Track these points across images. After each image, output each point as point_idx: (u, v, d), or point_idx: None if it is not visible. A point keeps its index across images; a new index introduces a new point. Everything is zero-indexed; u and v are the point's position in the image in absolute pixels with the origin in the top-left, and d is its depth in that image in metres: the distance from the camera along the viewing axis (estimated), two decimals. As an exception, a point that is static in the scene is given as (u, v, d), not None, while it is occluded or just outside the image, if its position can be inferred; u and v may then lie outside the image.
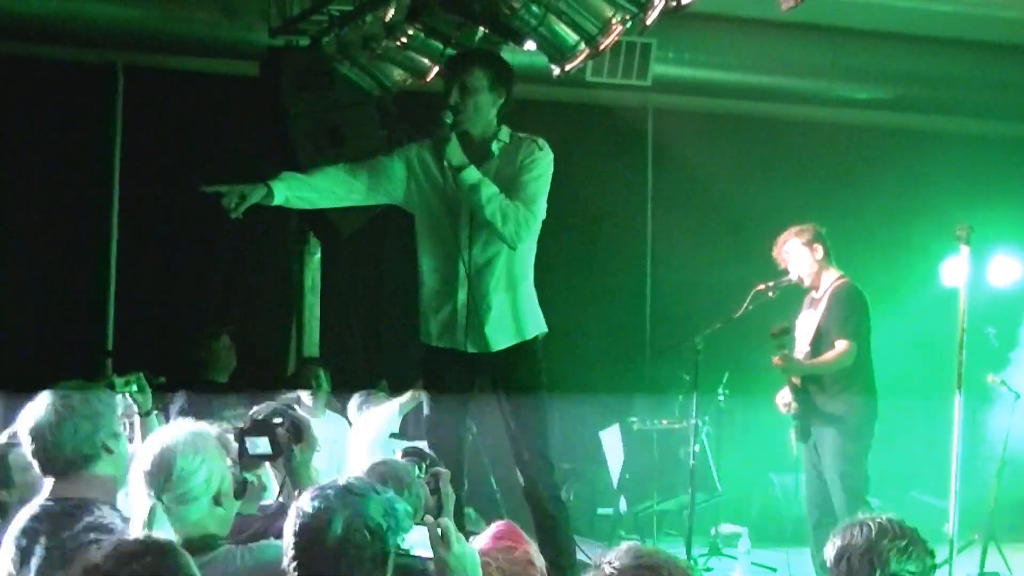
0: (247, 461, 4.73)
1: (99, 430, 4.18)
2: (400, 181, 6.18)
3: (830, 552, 3.86)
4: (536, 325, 6.17)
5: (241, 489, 4.41)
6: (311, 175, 6.15)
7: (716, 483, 9.95)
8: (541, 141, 6.12)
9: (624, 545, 3.15)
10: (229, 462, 4.36)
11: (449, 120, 5.96)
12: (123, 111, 10.10)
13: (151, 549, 3.09)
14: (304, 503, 3.40)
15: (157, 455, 4.01)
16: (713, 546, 9.61)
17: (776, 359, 7.92)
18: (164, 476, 3.95)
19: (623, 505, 9.94)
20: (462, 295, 6.04)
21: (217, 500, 4.05)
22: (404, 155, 6.20)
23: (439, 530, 3.58)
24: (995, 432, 9.28)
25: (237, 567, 3.90)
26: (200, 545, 3.90)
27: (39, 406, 4.18)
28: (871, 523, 3.81)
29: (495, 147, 6.07)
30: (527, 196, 5.97)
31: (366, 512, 3.33)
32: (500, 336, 6.07)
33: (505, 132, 6.12)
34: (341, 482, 3.48)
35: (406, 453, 4.92)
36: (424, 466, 4.72)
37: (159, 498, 3.91)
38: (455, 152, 5.93)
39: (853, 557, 3.77)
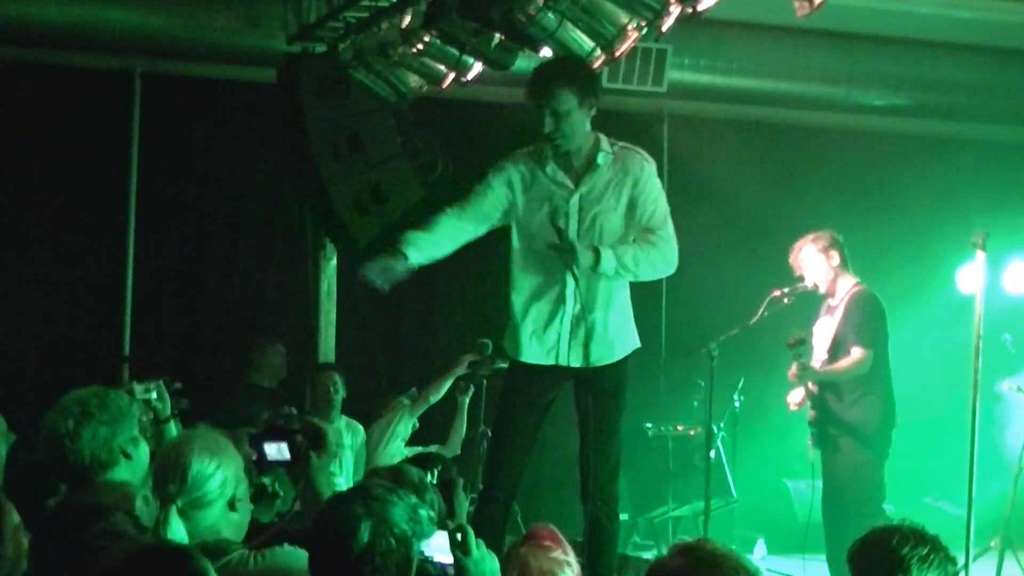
0: (265, 466, 4.75)
1: (117, 435, 4.17)
2: (499, 206, 6.07)
3: (852, 560, 3.85)
4: (632, 341, 6.17)
5: (258, 493, 4.42)
6: (429, 230, 6.03)
7: (731, 489, 9.94)
8: (644, 152, 6.05)
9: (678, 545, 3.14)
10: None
11: (551, 153, 5.90)
12: (140, 118, 10.12)
13: (168, 554, 3.10)
14: (328, 511, 3.41)
15: (172, 459, 4.02)
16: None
17: (791, 371, 7.92)
18: (179, 480, 3.96)
19: None
20: (567, 311, 5.98)
21: (232, 505, 4.06)
22: (504, 177, 6.06)
23: (458, 536, 3.59)
24: (1012, 438, 9.25)
25: (249, 572, 3.90)
26: (214, 550, 3.90)
27: (57, 411, 4.19)
28: (893, 531, 3.80)
29: (600, 159, 5.95)
30: (660, 219, 5.96)
31: (391, 519, 3.33)
32: (602, 353, 6.04)
33: (604, 141, 6.01)
34: (362, 488, 3.48)
35: (417, 459, 4.94)
36: (436, 472, 4.74)
37: (173, 502, 3.92)
38: (585, 257, 5.80)
39: (875, 565, 3.76)
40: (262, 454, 4.70)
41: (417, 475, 4.55)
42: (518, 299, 6.09)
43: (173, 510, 3.83)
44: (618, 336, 6.08)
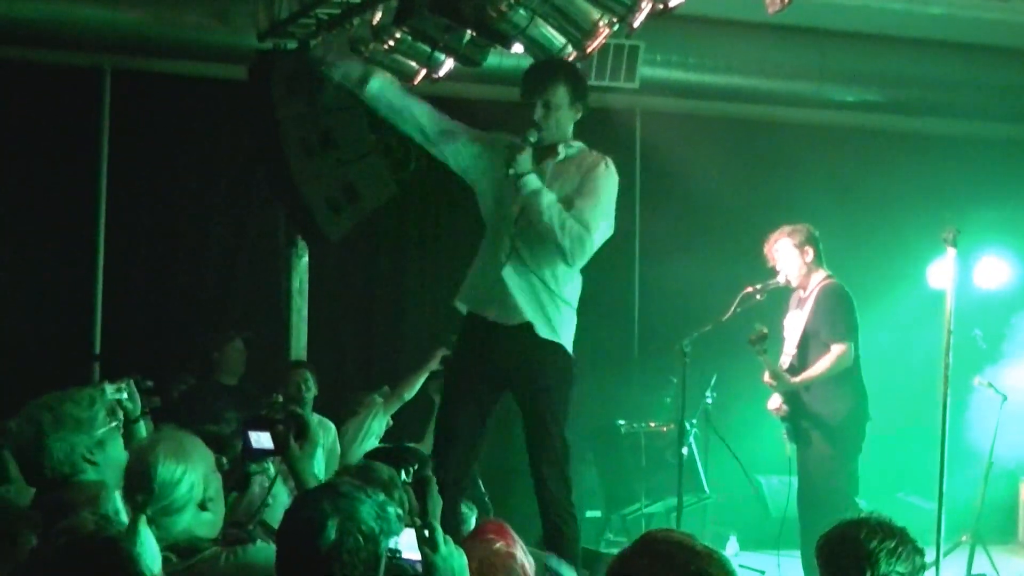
0: (250, 454, 4.74)
1: (76, 447, 4.15)
2: (471, 155, 6.39)
3: (820, 554, 3.86)
4: (567, 336, 6.26)
5: (244, 482, 4.40)
6: (404, 93, 6.54)
7: (704, 486, 9.95)
8: (609, 160, 6.22)
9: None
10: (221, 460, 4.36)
11: (534, 139, 6.12)
12: (111, 114, 10.08)
13: (96, 542, 3.10)
14: (295, 509, 3.39)
15: (137, 468, 3.98)
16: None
17: (766, 377, 7.93)
18: (146, 489, 3.93)
19: None
20: (498, 265, 6.20)
21: (203, 506, 4.03)
22: (489, 137, 6.40)
23: (426, 532, 3.59)
24: (982, 434, 9.30)
25: (221, 569, 3.88)
26: (185, 548, 3.89)
27: (19, 423, 4.18)
28: (861, 524, 3.81)
29: (561, 149, 6.21)
30: (585, 214, 6.07)
31: (359, 516, 3.32)
32: (511, 313, 6.18)
33: (577, 144, 6.27)
34: (330, 486, 3.47)
35: (393, 453, 4.92)
36: (411, 470, 4.71)
37: (143, 511, 3.85)
38: (525, 162, 6.05)
39: (843, 559, 3.77)
40: (247, 443, 4.70)
41: (387, 472, 4.53)
42: (475, 260, 6.41)
43: (142, 519, 3.77)
44: (546, 314, 6.19)
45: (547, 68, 6.24)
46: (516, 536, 4.36)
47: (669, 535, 3.02)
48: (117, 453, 4.26)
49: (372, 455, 4.88)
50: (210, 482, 4.10)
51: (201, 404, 8.66)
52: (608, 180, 6.17)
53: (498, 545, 4.18)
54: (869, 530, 3.77)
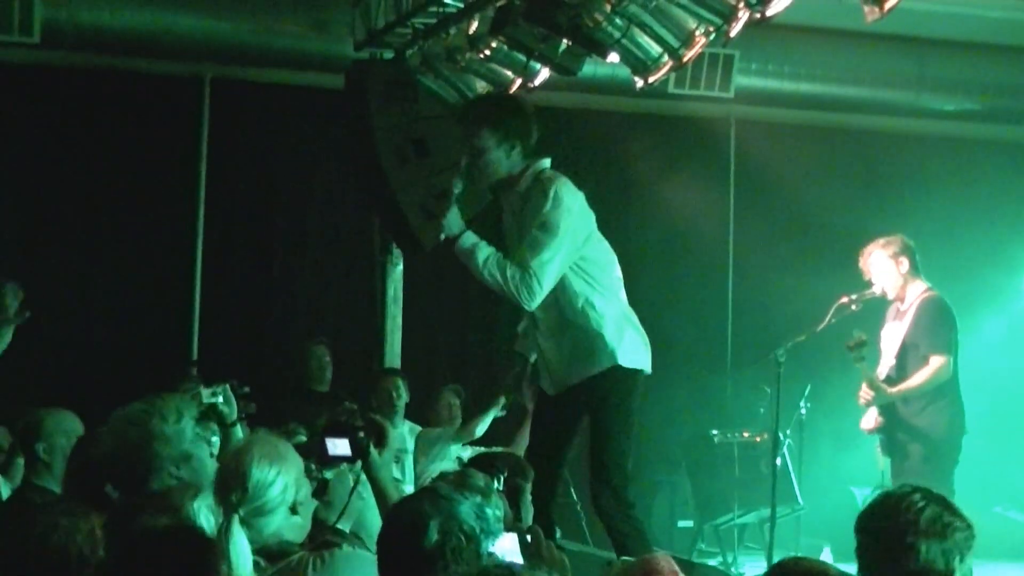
0: (327, 461, 4.77)
1: (164, 464, 4.19)
2: None
3: (860, 530, 3.72)
4: (615, 356, 6.12)
5: (322, 488, 4.43)
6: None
7: (797, 496, 9.87)
8: (556, 184, 5.97)
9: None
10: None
11: (458, 190, 6.06)
12: (210, 123, 10.22)
13: (189, 534, 3.14)
14: (396, 511, 3.42)
15: (233, 468, 4.02)
16: (795, 560, 9.51)
17: (861, 396, 7.84)
18: (240, 489, 3.96)
19: None
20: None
21: (294, 509, 4.07)
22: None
23: (528, 537, 3.59)
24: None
25: (309, 574, 3.92)
26: (276, 552, 3.93)
27: (107, 433, 4.23)
28: (904, 496, 3.66)
29: (522, 182, 6.07)
30: (529, 249, 5.88)
31: (459, 516, 3.34)
32: (560, 380, 6.23)
33: (538, 168, 6.07)
34: (428, 489, 3.49)
35: (479, 463, 4.94)
36: (503, 478, 4.73)
37: (236, 511, 3.89)
38: (455, 221, 5.99)
39: (883, 524, 3.64)
40: (324, 450, 4.72)
41: (482, 479, 4.55)
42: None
43: (235, 519, 3.81)
44: (576, 360, 6.15)
45: (470, 109, 6.23)
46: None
47: (799, 564, 2.95)
48: (203, 466, 4.29)
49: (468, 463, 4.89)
50: (301, 486, 4.13)
51: (293, 411, 8.73)
52: (551, 210, 5.88)
53: None
54: (910, 502, 3.64)
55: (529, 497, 4.77)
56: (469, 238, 5.91)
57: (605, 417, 6.14)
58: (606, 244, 6.21)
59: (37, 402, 6.21)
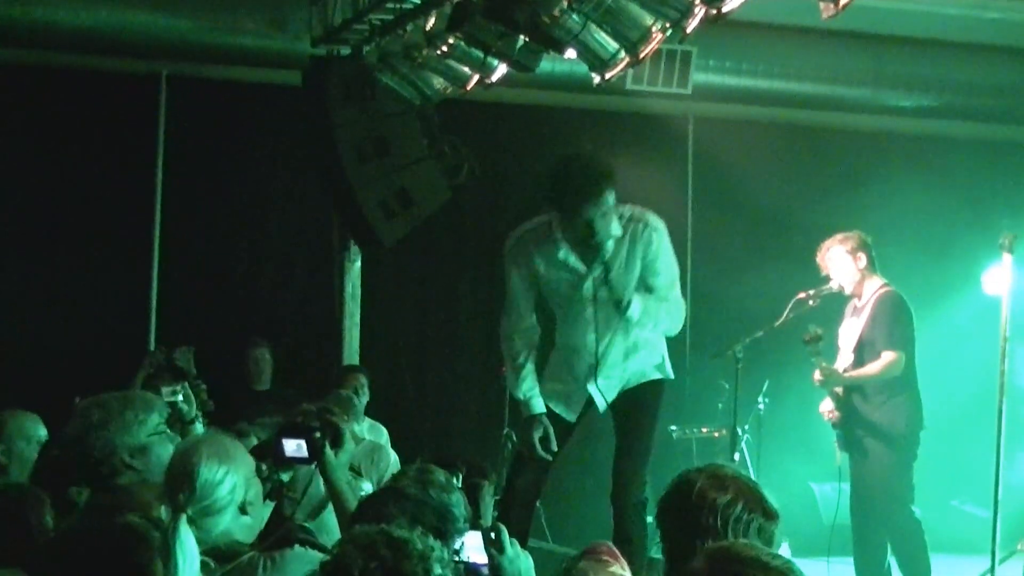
0: (283, 462, 4.75)
1: (118, 449, 4.18)
2: (534, 288, 6.40)
3: (660, 521, 3.57)
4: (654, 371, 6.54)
5: (277, 490, 4.41)
6: (530, 363, 6.45)
7: (757, 492, 9.90)
8: (648, 218, 6.25)
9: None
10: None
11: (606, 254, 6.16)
12: (167, 120, 10.17)
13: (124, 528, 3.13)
14: (360, 512, 3.41)
15: (180, 467, 4.00)
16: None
17: (816, 375, 7.89)
18: (188, 488, 3.93)
19: None
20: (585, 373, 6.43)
21: (243, 509, 4.04)
22: (524, 270, 6.35)
23: (492, 534, 3.59)
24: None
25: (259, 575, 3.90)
26: (225, 553, 3.90)
27: (73, 417, 4.22)
28: (696, 475, 3.57)
29: (610, 244, 6.16)
30: (667, 283, 6.28)
31: (424, 516, 3.33)
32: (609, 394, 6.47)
33: (618, 218, 6.21)
34: (393, 489, 3.48)
35: (440, 462, 4.94)
36: (461, 476, 4.73)
37: (183, 510, 3.86)
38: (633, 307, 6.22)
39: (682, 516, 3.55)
40: (280, 451, 4.70)
41: (443, 475, 4.55)
42: (555, 351, 6.61)
43: (183, 519, 3.78)
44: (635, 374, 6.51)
45: (594, 181, 6.08)
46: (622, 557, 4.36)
47: (734, 549, 2.91)
48: (160, 462, 4.26)
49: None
50: (251, 485, 4.10)
51: (238, 409, 8.69)
52: (661, 241, 6.26)
53: (613, 568, 4.16)
54: (703, 481, 3.55)
55: (489, 497, 4.77)
56: (631, 310, 6.21)
57: (651, 421, 6.59)
58: None
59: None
